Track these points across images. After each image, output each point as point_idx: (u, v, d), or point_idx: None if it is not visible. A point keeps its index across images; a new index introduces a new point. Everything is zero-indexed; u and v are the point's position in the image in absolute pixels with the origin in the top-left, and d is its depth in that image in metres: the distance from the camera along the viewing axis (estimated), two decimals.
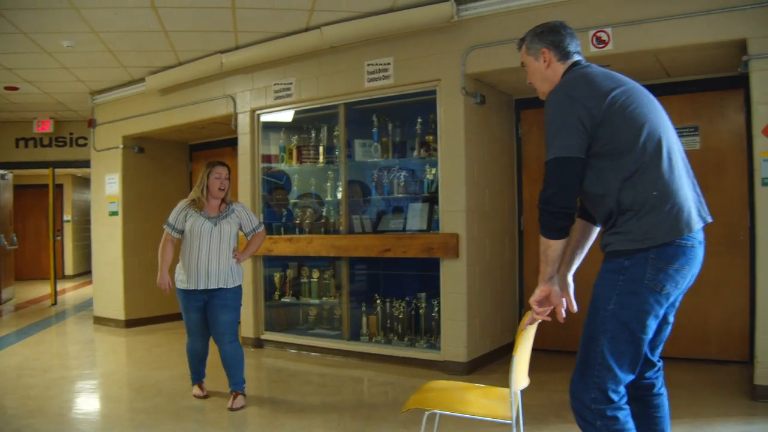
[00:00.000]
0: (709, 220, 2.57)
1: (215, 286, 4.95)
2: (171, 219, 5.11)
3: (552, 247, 2.58)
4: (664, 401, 2.81)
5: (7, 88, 8.69)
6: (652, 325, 2.52)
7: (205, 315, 5.06)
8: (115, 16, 6.08)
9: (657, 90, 6.09)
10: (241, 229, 5.19)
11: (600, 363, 2.51)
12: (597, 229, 2.90)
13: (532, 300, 2.72)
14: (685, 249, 2.46)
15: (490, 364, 6.18)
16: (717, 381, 5.38)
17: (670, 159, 2.49)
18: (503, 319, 6.51)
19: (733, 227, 5.87)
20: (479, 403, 3.13)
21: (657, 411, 2.78)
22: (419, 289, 6.56)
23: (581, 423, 2.56)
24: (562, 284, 2.84)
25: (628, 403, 2.73)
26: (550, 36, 2.78)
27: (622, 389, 2.53)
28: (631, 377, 2.55)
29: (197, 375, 5.32)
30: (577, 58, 2.78)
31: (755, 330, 4.79)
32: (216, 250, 4.96)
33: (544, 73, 2.80)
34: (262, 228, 5.28)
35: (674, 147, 2.55)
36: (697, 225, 2.49)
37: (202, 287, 4.95)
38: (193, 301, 5.02)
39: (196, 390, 5.29)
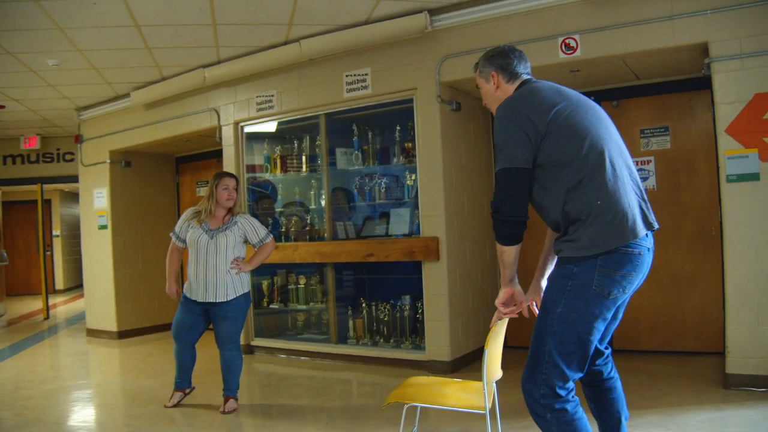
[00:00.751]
0: (656, 226, 2.70)
1: (213, 300, 4.99)
2: (177, 228, 5.19)
3: (506, 252, 2.75)
4: (617, 384, 2.95)
5: None
6: (600, 327, 2.65)
7: (196, 321, 5.12)
8: (99, 35, 6.20)
9: (627, 92, 6.32)
10: (248, 241, 5.18)
11: (548, 361, 2.63)
12: None
13: (498, 302, 2.91)
14: (631, 256, 2.58)
15: (473, 362, 6.27)
16: (692, 372, 5.52)
17: (613, 169, 2.61)
18: (485, 318, 6.58)
19: (705, 223, 6.04)
20: (456, 395, 3.29)
21: (610, 393, 2.93)
22: (403, 292, 6.69)
23: (534, 416, 2.70)
24: (535, 288, 3.02)
25: (583, 389, 2.93)
26: (499, 59, 2.95)
27: (570, 385, 2.66)
28: (579, 375, 2.69)
29: (179, 381, 5.27)
30: (525, 77, 2.93)
31: (726, 321, 4.93)
32: (213, 263, 4.97)
33: (494, 95, 2.96)
34: (270, 238, 5.24)
35: (618, 158, 2.67)
36: (642, 232, 2.61)
37: (201, 300, 5.01)
38: (193, 305, 5.08)
39: (170, 399, 5.27)
